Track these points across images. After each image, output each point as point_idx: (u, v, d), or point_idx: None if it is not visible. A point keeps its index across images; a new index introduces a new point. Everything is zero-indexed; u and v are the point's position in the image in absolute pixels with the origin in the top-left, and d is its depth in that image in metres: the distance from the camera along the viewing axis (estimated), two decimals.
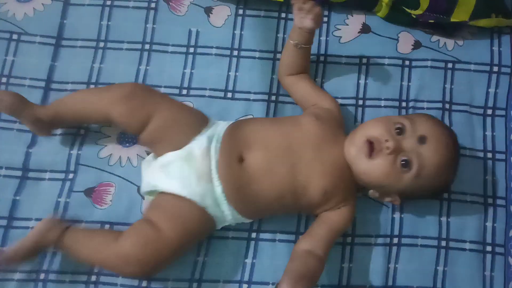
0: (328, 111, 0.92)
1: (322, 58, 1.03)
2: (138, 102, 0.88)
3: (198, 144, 0.86)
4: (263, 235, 0.92)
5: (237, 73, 1.02)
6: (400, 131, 0.83)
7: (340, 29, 1.05)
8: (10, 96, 0.89)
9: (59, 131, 0.97)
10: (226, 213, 0.86)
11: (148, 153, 0.96)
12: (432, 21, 1.02)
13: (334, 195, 0.86)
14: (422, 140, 0.83)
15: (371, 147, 0.82)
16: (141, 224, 0.84)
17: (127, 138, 0.97)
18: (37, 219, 0.92)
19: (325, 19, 1.06)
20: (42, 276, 0.89)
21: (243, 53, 1.03)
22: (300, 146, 0.85)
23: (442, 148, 0.84)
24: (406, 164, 0.82)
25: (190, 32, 1.04)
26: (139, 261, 0.81)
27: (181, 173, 0.84)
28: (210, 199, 0.85)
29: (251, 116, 0.98)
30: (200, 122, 0.90)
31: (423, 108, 1.00)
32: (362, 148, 0.83)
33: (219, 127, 0.89)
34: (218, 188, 0.84)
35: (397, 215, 0.94)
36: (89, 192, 0.94)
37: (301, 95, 0.96)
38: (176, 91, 1.00)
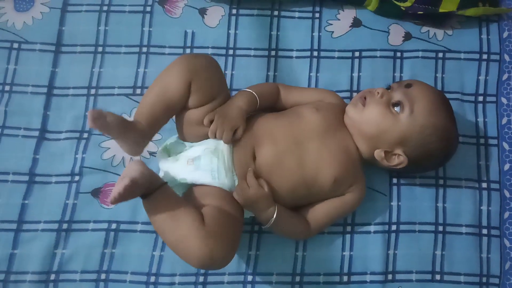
0: (329, 103, 0.94)
1: (315, 53, 1.06)
2: (218, 75, 0.88)
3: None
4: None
5: (233, 72, 1.04)
6: (389, 89, 0.91)
7: (332, 24, 1.08)
8: (115, 116, 0.77)
9: (62, 135, 1.00)
10: None
11: (150, 153, 0.99)
12: (421, 12, 1.05)
13: (344, 181, 0.89)
14: (408, 85, 0.90)
15: (365, 99, 0.90)
16: (212, 210, 0.81)
17: None
18: (46, 222, 0.95)
19: (317, 14, 1.08)
20: (52, 276, 0.92)
21: (238, 52, 1.05)
22: (305, 137, 0.88)
23: (428, 87, 0.91)
24: (398, 105, 0.87)
25: (185, 33, 1.06)
26: (226, 245, 0.77)
27: (211, 165, 0.86)
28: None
29: None
30: None
31: None
32: (357, 102, 0.90)
33: None
34: (236, 183, 0.87)
35: (394, 203, 0.97)
36: (96, 192, 0.97)
37: (303, 100, 0.96)
38: None
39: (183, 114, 0.87)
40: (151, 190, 0.79)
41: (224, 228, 0.78)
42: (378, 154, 0.89)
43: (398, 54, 1.06)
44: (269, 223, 0.86)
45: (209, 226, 0.77)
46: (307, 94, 0.97)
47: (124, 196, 0.73)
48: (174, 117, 0.90)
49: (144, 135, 0.83)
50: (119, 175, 0.97)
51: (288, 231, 0.90)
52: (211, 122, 0.86)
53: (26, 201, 0.96)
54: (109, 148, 0.99)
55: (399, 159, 0.89)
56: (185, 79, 0.84)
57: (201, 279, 0.93)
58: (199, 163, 0.86)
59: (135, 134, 0.81)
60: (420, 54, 1.06)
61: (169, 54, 1.05)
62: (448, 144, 0.90)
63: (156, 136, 0.99)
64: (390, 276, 0.93)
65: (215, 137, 0.86)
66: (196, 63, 0.85)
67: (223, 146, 0.86)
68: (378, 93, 0.88)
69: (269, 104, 0.95)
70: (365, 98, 0.89)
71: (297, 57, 1.05)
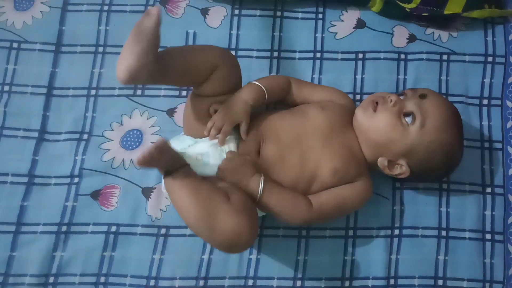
0: (338, 104, 0.93)
1: (318, 55, 1.04)
2: (238, 73, 0.91)
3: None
4: (266, 231, 0.94)
5: None
6: (403, 95, 0.89)
7: (335, 25, 1.07)
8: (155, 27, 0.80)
9: (62, 136, 0.99)
10: None
11: None
12: (426, 14, 1.04)
13: (345, 173, 0.87)
14: (423, 96, 0.88)
15: (376, 104, 0.88)
16: (233, 190, 0.81)
17: (130, 141, 0.99)
18: (45, 224, 0.94)
19: (320, 15, 1.07)
20: (51, 279, 0.92)
21: (240, 53, 1.04)
22: (309, 136, 0.87)
23: (443, 101, 0.89)
24: (410, 116, 0.86)
25: (187, 33, 1.05)
26: (252, 223, 0.77)
27: (220, 161, 0.85)
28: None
29: None
30: None
31: None
32: (368, 106, 0.88)
33: None
34: None
35: (397, 207, 0.96)
36: (95, 195, 0.96)
37: (314, 98, 0.95)
38: (176, 92, 1.02)
39: (194, 102, 0.87)
40: (174, 168, 0.80)
41: (249, 207, 0.79)
42: (381, 162, 0.88)
43: (402, 56, 1.04)
44: (259, 190, 0.82)
45: (235, 204, 0.77)
46: (318, 92, 0.96)
47: (150, 159, 0.74)
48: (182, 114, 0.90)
49: (152, 52, 0.79)
50: (119, 177, 0.97)
51: (285, 205, 0.84)
52: (216, 112, 0.86)
53: (25, 203, 0.95)
54: (109, 150, 0.98)
55: (401, 170, 0.88)
56: (213, 62, 0.84)
57: (201, 283, 0.92)
58: (208, 159, 0.85)
59: (147, 45, 0.78)
60: (424, 56, 1.04)
61: None
62: (452, 161, 0.90)
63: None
64: (392, 281, 0.93)
65: (213, 129, 0.85)
66: (226, 54, 0.89)
67: (229, 143, 0.86)
68: (391, 100, 0.86)
69: (278, 98, 0.94)
70: (377, 103, 0.88)
71: (300, 59, 1.04)
